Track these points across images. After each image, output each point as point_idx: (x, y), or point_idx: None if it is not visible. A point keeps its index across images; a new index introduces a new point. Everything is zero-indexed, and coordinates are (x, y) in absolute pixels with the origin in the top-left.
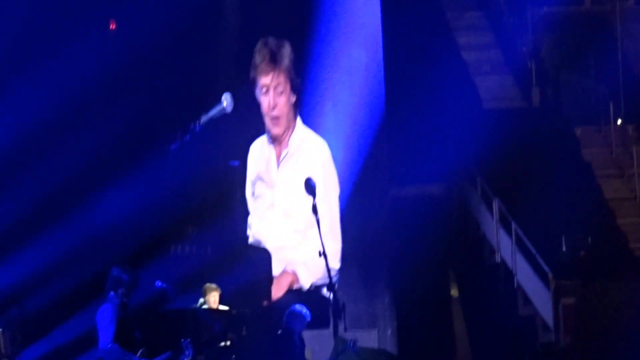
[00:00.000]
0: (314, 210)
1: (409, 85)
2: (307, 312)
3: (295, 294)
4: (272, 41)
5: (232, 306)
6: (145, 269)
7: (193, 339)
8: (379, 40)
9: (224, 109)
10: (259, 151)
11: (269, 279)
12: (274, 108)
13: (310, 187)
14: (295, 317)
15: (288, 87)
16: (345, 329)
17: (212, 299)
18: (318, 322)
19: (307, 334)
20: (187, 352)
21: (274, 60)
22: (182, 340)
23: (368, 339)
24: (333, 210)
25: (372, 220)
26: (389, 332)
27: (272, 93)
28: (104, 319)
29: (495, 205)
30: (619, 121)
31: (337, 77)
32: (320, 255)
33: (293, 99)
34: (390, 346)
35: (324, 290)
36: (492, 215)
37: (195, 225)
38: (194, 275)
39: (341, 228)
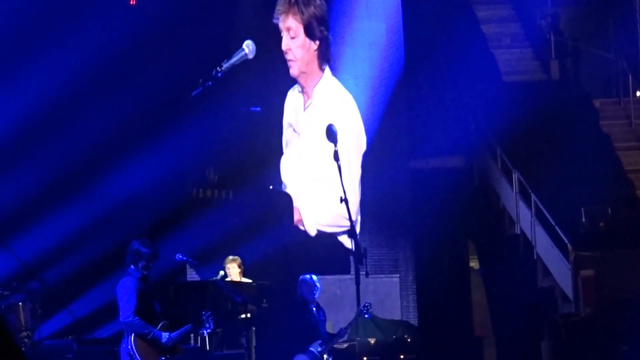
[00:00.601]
0: (335, 157)
1: (428, 59)
2: (316, 281)
3: (314, 239)
4: None
5: (253, 278)
6: (169, 237)
7: (214, 311)
8: (399, 14)
9: (245, 55)
10: (291, 99)
11: (290, 221)
12: (286, 52)
13: (331, 133)
14: (302, 285)
15: (301, 32)
16: (367, 275)
17: (233, 271)
18: (339, 268)
19: (329, 279)
20: (207, 325)
21: (288, 3)
22: (203, 312)
23: (390, 284)
24: (352, 163)
25: (392, 193)
26: (411, 277)
27: (286, 36)
28: (125, 292)
29: (515, 177)
30: (638, 93)
31: (358, 51)
32: (341, 201)
33: (313, 46)
34: (412, 292)
35: (345, 238)
36: (512, 187)
37: (217, 171)
38: (216, 221)
39: (363, 199)
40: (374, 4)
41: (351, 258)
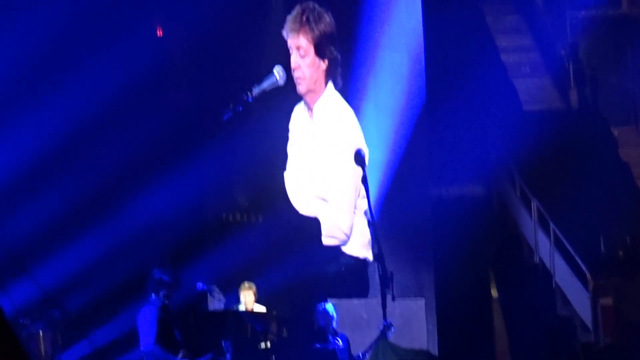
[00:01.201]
0: (364, 181)
1: (449, 87)
2: (332, 310)
3: (341, 261)
4: (308, 4)
5: (270, 306)
6: (196, 263)
7: (234, 340)
8: (420, 44)
9: (276, 81)
10: (296, 115)
11: (318, 245)
12: (295, 69)
13: (359, 157)
14: (318, 315)
15: (312, 51)
16: (393, 298)
17: (248, 298)
18: (365, 291)
19: (355, 302)
20: (228, 356)
21: (299, 22)
22: (223, 341)
23: (416, 307)
24: (352, 180)
25: (412, 221)
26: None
27: (295, 54)
28: (146, 321)
29: (534, 205)
30: None
31: (379, 79)
32: (369, 225)
33: (322, 65)
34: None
35: (348, 248)
36: (531, 215)
37: (247, 195)
38: (247, 246)
39: (382, 226)
40: (396, 34)
41: (370, 280)
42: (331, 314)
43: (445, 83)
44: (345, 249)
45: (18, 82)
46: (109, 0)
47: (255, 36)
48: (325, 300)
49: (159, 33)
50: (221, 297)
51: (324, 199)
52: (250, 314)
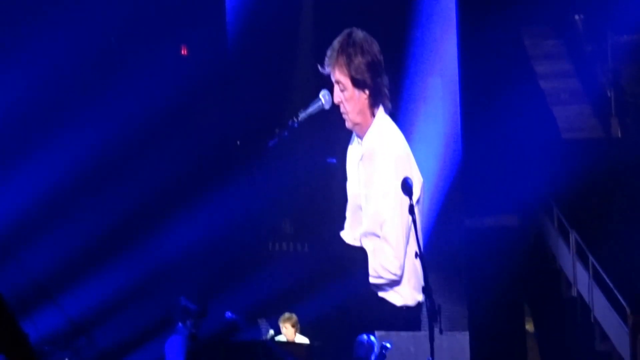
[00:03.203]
0: (411, 211)
1: (485, 114)
2: (375, 341)
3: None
4: (347, 33)
5: (312, 338)
6: (235, 292)
7: None
8: (455, 68)
9: (322, 105)
10: (350, 151)
11: (364, 275)
12: (339, 104)
13: (406, 186)
14: (359, 346)
15: (349, 85)
16: (441, 332)
17: (288, 330)
18: (412, 324)
19: (403, 335)
20: None
21: (336, 53)
22: None
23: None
24: (405, 212)
25: (447, 252)
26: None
27: (336, 88)
28: (173, 351)
29: (572, 237)
30: None
31: (413, 106)
32: (416, 256)
33: (363, 95)
34: None
35: (389, 294)
36: (569, 247)
37: (293, 223)
38: (292, 275)
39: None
40: (429, 59)
41: (425, 314)
42: (372, 345)
43: (481, 109)
44: (398, 301)
45: (44, 109)
46: (132, 23)
47: (283, 56)
48: (371, 332)
49: (184, 52)
50: (257, 326)
51: (375, 234)
52: (280, 345)
